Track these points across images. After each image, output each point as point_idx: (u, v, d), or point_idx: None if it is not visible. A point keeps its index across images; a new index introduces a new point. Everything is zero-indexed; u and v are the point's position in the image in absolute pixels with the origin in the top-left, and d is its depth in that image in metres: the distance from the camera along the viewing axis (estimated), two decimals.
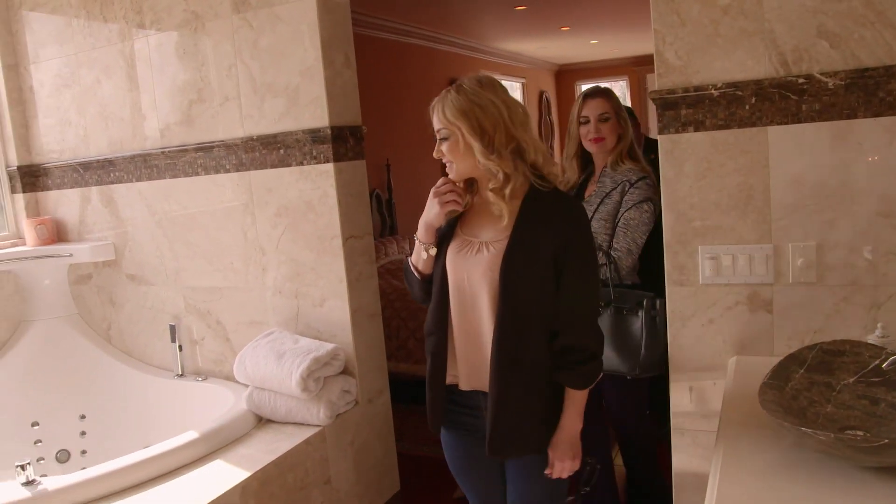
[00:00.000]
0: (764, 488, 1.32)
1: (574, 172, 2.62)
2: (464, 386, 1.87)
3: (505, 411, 1.77)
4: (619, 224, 2.43)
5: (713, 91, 2.02)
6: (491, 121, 1.71)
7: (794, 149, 1.96)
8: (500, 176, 1.74)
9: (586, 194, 2.56)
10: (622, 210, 2.43)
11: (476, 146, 1.72)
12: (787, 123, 1.96)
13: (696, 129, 2.06)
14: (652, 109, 10.84)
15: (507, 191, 1.75)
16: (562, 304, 1.76)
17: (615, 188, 2.46)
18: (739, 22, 1.97)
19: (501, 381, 1.76)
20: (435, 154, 1.80)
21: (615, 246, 2.42)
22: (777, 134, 1.97)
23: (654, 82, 2.15)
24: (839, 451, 1.29)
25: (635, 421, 2.64)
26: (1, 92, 3.47)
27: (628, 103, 10.79)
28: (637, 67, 10.80)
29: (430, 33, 6.98)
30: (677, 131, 2.09)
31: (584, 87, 11.05)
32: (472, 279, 1.81)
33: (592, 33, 8.40)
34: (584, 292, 1.78)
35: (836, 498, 1.25)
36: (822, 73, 1.90)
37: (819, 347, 1.59)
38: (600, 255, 2.34)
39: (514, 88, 9.87)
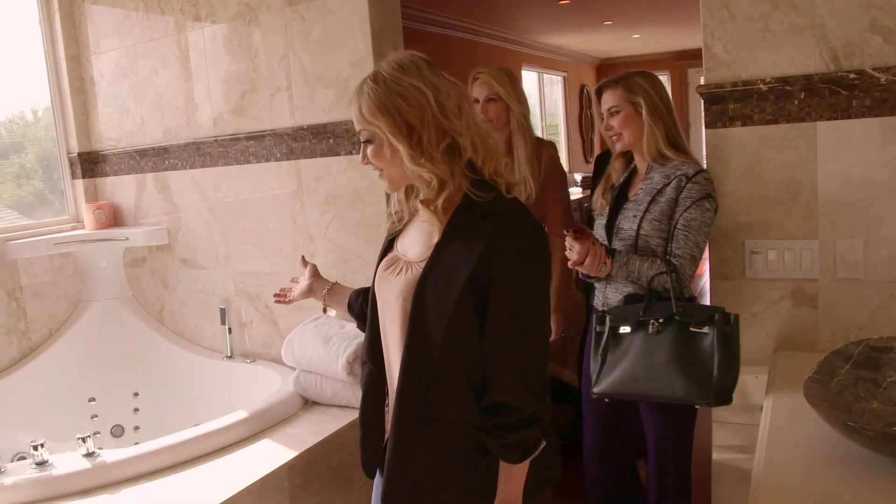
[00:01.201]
0: (809, 482, 1.32)
1: (618, 175, 2.31)
2: None
3: (403, 478, 1.46)
4: (679, 226, 2.05)
5: (762, 86, 2.03)
6: (418, 114, 1.37)
7: (842, 144, 1.97)
8: (435, 183, 1.41)
9: (630, 194, 2.23)
10: (680, 209, 2.05)
11: (402, 150, 1.39)
12: (836, 119, 1.96)
13: (744, 124, 2.08)
14: (693, 104, 10.75)
15: (441, 201, 1.41)
16: (486, 351, 1.39)
17: (668, 184, 2.09)
18: (790, 16, 1.97)
19: (400, 440, 1.45)
20: (361, 161, 1.49)
21: (675, 252, 2.05)
22: (826, 129, 1.98)
23: (697, 77, 2.19)
24: (886, 446, 1.29)
25: (678, 456, 2.23)
26: (64, 81, 3.60)
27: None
28: (679, 62, 10.67)
29: (474, 27, 7.00)
30: (724, 125, 2.10)
31: None
32: (390, 305, 1.50)
33: (635, 28, 8.34)
34: (515, 337, 1.39)
35: (881, 493, 1.25)
36: (874, 69, 1.90)
37: (865, 343, 1.59)
38: (657, 262, 2.04)
39: (556, 82, 9.85)
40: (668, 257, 2.06)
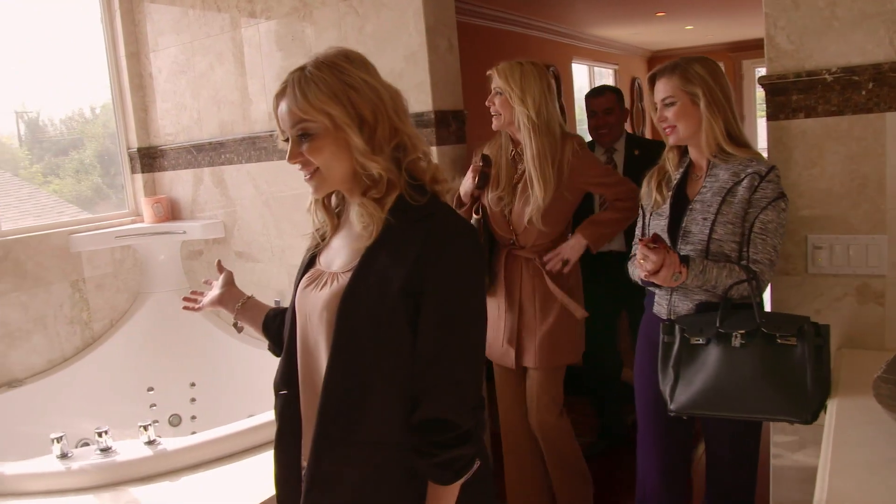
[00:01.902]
0: (877, 482, 1.29)
1: (673, 166, 2.13)
2: None
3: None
4: (755, 229, 1.89)
5: (827, 76, 1.97)
6: (370, 107, 1.29)
7: None
8: (384, 181, 1.31)
9: (691, 193, 2.04)
10: (754, 211, 1.89)
11: (355, 141, 1.28)
12: None
13: (807, 116, 2.02)
14: (747, 96, 10.51)
15: (390, 200, 1.31)
16: (419, 363, 1.28)
17: (738, 182, 1.91)
18: (859, 4, 1.91)
19: (320, 465, 1.33)
20: (290, 159, 1.35)
21: (754, 257, 1.89)
22: (895, 120, 1.91)
23: (751, 69, 2.13)
24: None
25: (748, 478, 2.10)
26: (124, 78, 3.70)
27: None
28: (733, 53, 10.45)
29: (525, 20, 6.96)
30: (787, 117, 2.05)
31: None
32: (313, 322, 1.38)
33: (689, 19, 8.18)
34: (451, 349, 1.28)
35: None
36: None
37: None
38: (736, 269, 1.88)
39: (607, 75, 9.73)
40: (746, 263, 1.90)
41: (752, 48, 9.64)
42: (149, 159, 3.75)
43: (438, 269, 1.26)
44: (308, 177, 1.36)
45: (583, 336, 2.63)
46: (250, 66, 3.27)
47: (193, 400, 3.47)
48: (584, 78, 9.04)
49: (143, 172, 3.76)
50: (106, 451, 2.36)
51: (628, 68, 10.36)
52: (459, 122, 2.85)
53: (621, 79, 10.09)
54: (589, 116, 3.35)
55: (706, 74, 1.98)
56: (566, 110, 7.20)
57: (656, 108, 2.06)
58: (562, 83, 7.36)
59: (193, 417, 3.43)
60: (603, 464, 3.32)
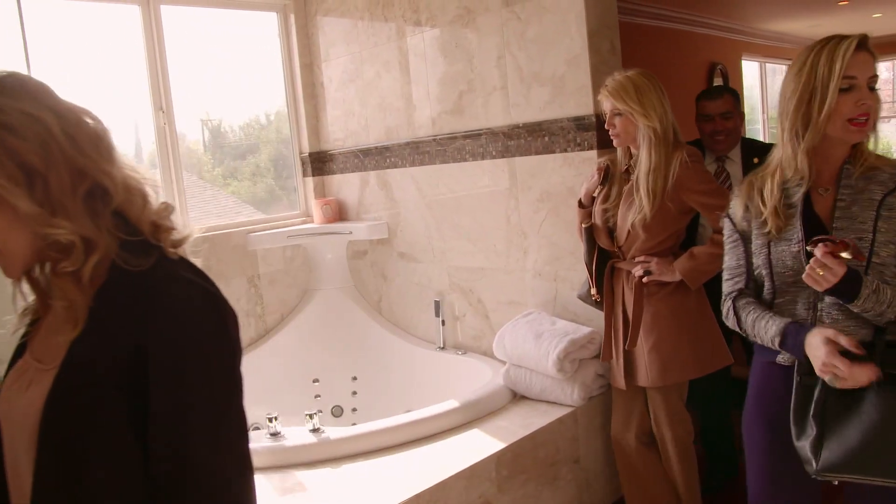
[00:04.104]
0: None
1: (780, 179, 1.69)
2: None
3: None
4: None
5: None
6: (38, 150, 0.95)
7: None
8: (79, 246, 0.98)
9: (821, 213, 1.65)
10: None
11: (23, 206, 0.95)
12: None
13: None
14: None
15: (88, 270, 0.98)
16: (154, 465, 0.97)
17: (891, 192, 1.60)
18: None
19: None
20: None
21: None
22: None
23: None
24: None
25: None
26: (298, 88, 3.94)
27: None
28: None
29: (690, 16, 6.70)
30: None
31: None
32: (16, 428, 1.05)
33: (876, 5, 7.53)
34: (194, 437, 0.98)
35: None
36: None
37: None
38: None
39: (781, 72, 9.16)
40: None
41: None
42: (319, 163, 3.98)
43: (165, 357, 0.96)
44: None
45: (714, 347, 2.41)
46: (415, 74, 3.38)
47: (355, 393, 3.63)
48: (754, 75, 8.56)
49: (313, 176, 3.98)
50: (275, 435, 2.53)
51: None
52: None
53: None
54: (702, 121, 2.92)
55: None
56: None
57: (845, 89, 1.56)
58: (730, 82, 7.01)
59: (354, 409, 3.59)
60: None
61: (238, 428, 1.05)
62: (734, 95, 2.99)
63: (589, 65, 2.68)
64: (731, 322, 1.76)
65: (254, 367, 3.52)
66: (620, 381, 2.48)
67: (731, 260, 1.77)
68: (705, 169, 2.39)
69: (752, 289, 1.76)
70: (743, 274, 1.74)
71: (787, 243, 1.64)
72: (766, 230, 1.66)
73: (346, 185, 3.87)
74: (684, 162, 2.28)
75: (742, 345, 2.85)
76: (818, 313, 1.63)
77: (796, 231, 1.63)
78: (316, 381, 3.63)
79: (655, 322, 2.40)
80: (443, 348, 3.41)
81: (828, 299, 1.61)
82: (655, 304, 2.40)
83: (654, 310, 2.40)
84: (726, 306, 1.77)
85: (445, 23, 3.17)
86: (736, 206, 1.74)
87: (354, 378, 3.65)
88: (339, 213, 3.91)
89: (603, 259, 2.52)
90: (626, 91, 2.32)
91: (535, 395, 2.75)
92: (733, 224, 1.75)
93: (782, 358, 1.70)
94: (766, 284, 1.69)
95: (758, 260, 1.69)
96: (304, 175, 4.02)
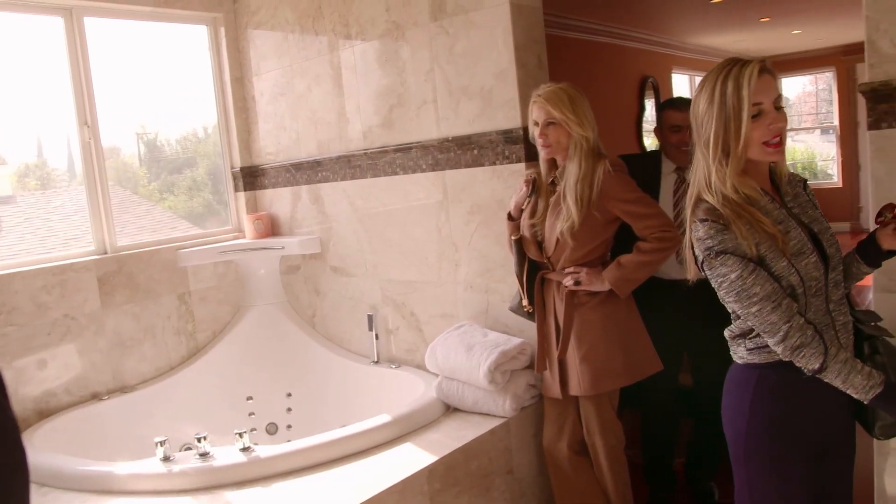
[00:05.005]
0: None
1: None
2: None
3: None
4: None
5: None
6: None
7: None
8: None
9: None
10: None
11: None
12: None
13: None
14: (862, 102, 9.94)
15: None
16: None
17: (802, 190, 1.74)
18: None
19: None
20: None
21: None
22: None
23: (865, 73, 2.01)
24: None
25: None
26: (229, 102, 3.89)
27: (834, 97, 9.97)
28: (846, 57, 9.93)
29: (620, 30, 6.87)
30: (890, 126, 1.94)
31: (785, 80, 10.35)
32: None
33: (796, 23, 7.85)
34: None
35: None
36: None
37: None
38: None
39: None
40: None
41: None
42: (251, 178, 3.93)
43: None
44: None
45: (640, 355, 2.45)
46: (346, 87, 3.37)
47: (290, 409, 3.58)
48: (684, 88, 8.81)
49: (245, 190, 3.93)
50: (204, 455, 2.47)
51: None
52: None
53: None
54: (668, 131, 2.82)
55: None
56: None
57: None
58: (661, 94, 7.20)
59: (289, 426, 3.54)
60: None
61: None
62: None
63: (516, 78, 2.72)
64: (813, 348, 1.57)
65: (185, 386, 3.47)
66: (555, 391, 2.51)
67: (766, 285, 1.58)
68: (629, 178, 2.42)
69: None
70: (787, 295, 1.60)
71: (804, 256, 1.62)
72: (780, 249, 1.60)
73: (278, 199, 3.83)
74: (608, 171, 2.33)
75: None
76: (832, 315, 1.65)
77: (804, 242, 1.63)
78: (250, 398, 3.58)
79: (586, 331, 2.43)
80: (377, 362, 3.40)
81: (833, 298, 1.65)
82: (586, 314, 2.44)
83: (585, 319, 2.44)
84: (800, 327, 1.58)
85: (375, 36, 3.18)
86: (733, 239, 1.59)
87: (289, 394, 3.61)
88: (272, 228, 3.87)
89: (533, 271, 2.55)
90: (560, 100, 2.35)
91: (468, 408, 2.76)
92: (740, 257, 1.59)
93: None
94: (800, 301, 1.62)
95: (793, 279, 1.60)
96: (236, 190, 3.97)
